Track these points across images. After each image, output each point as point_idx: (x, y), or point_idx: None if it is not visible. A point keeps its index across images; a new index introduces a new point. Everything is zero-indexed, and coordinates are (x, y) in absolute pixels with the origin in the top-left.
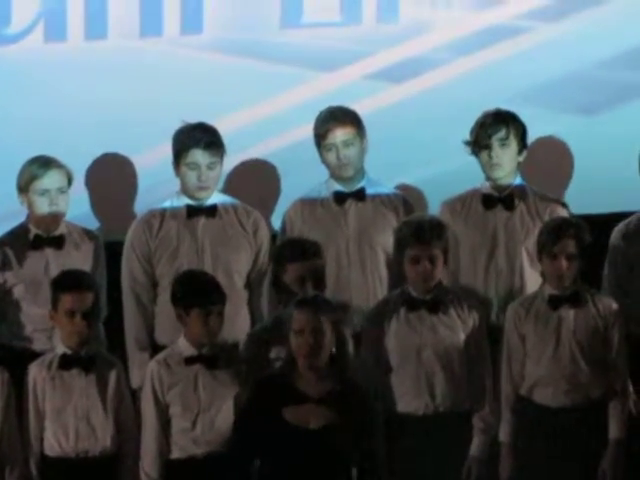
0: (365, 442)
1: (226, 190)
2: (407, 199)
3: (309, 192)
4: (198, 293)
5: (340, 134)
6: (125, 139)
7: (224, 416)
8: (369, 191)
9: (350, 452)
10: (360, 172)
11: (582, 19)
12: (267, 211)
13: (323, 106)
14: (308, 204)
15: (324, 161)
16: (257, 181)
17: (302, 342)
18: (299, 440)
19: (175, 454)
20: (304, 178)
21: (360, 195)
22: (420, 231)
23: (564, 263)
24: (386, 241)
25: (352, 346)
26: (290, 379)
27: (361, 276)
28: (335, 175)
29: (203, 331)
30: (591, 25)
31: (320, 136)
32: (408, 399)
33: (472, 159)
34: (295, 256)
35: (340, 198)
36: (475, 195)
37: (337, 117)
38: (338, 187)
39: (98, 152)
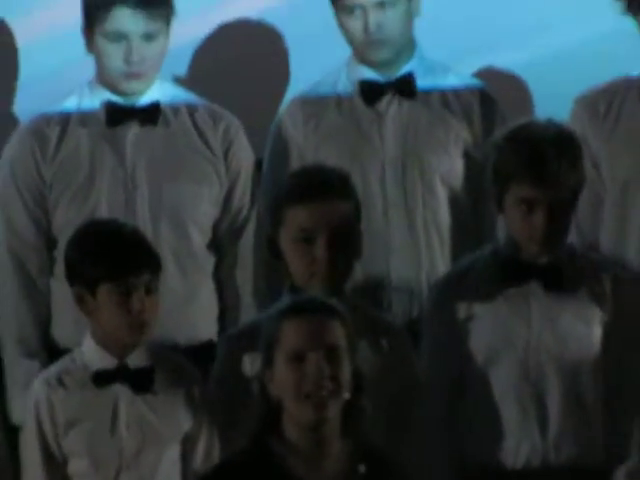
0: None
1: (189, 78)
2: (489, 94)
3: (317, 84)
4: (110, 257)
5: None
6: None
7: (165, 473)
8: (422, 81)
9: None
10: (407, 49)
11: None
12: (260, 118)
13: None
14: (315, 105)
15: (344, 30)
16: (243, 63)
17: (301, 374)
18: None
19: None
20: (320, 63)
21: (406, 87)
22: (540, 161)
23: None
24: (451, 166)
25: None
26: (274, 455)
27: (405, 228)
28: (362, 56)
29: (122, 323)
30: None
31: None
32: (501, 439)
33: (607, 29)
34: (299, 195)
35: (371, 93)
36: (630, 88)
37: None
38: (368, 74)
39: None
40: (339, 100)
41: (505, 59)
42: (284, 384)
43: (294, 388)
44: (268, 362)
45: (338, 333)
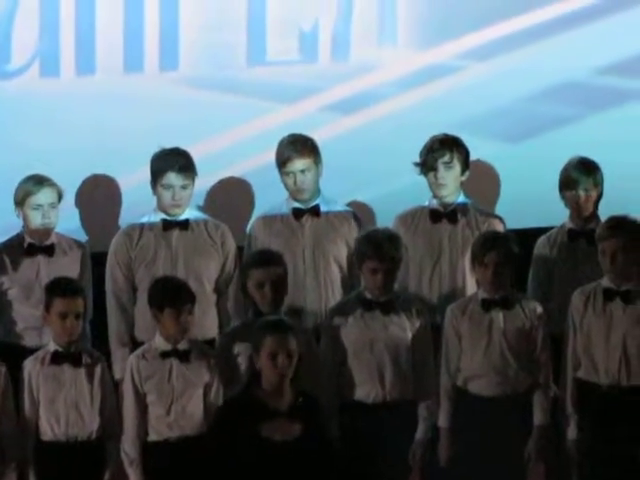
0: (324, 438)
1: (205, 206)
2: (356, 214)
3: (270, 209)
4: (170, 295)
5: (298, 164)
6: (110, 162)
7: (195, 403)
8: (323, 208)
9: (321, 454)
10: (315, 192)
11: (508, 59)
12: (239, 224)
13: (284, 135)
14: (269, 220)
15: (284, 184)
16: (232, 197)
17: (274, 365)
18: (279, 452)
19: (152, 437)
20: (269, 196)
21: (315, 211)
22: (379, 247)
23: (493, 271)
24: (337, 251)
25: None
26: (257, 396)
27: (315, 281)
28: (293, 196)
29: (175, 328)
30: (516, 64)
31: (281, 163)
32: (360, 387)
33: (414, 180)
34: (256, 264)
35: (298, 214)
36: (424, 210)
37: (296, 148)
38: (296, 204)
39: (87, 174)
40: (282, 217)
41: (365, 196)
42: (266, 366)
43: (272, 369)
44: (256, 351)
45: (292, 341)
